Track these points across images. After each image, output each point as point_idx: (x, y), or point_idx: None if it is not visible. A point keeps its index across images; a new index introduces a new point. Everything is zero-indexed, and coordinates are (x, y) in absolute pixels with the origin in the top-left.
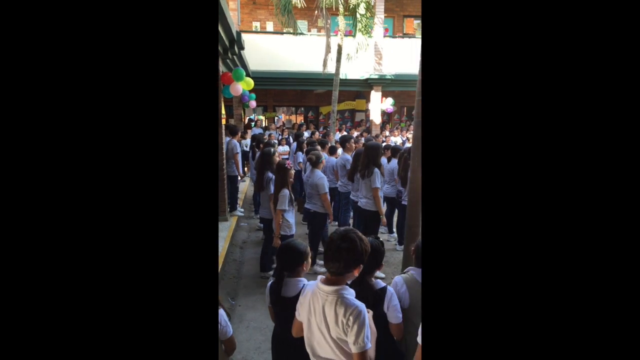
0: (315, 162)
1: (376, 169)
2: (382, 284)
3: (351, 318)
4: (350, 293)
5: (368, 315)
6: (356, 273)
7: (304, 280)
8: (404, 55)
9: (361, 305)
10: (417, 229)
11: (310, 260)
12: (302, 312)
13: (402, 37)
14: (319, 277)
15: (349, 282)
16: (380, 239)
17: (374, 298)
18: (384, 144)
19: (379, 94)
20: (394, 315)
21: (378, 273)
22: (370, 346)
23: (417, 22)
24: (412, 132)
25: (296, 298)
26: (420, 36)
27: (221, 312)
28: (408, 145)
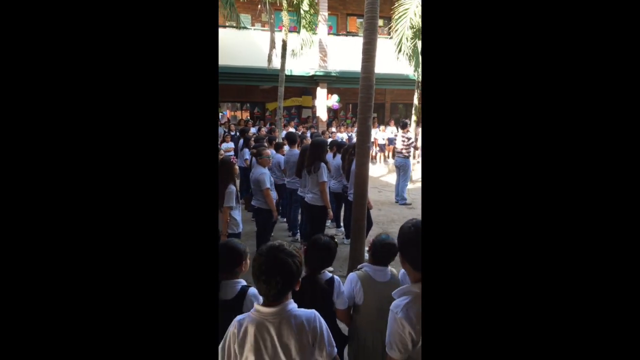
0: (257, 157)
1: (322, 164)
2: (328, 274)
3: (315, 325)
4: (295, 304)
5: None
6: (297, 288)
7: (242, 281)
8: (348, 53)
9: (313, 310)
10: (363, 222)
11: (248, 261)
12: (241, 350)
13: (346, 35)
14: (255, 307)
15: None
16: (335, 239)
17: (322, 291)
18: (329, 140)
19: (325, 90)
20: (342, 301)
21: None
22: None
23: (359, 21)
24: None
25: (234, 300)
26: (362, 34)
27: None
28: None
